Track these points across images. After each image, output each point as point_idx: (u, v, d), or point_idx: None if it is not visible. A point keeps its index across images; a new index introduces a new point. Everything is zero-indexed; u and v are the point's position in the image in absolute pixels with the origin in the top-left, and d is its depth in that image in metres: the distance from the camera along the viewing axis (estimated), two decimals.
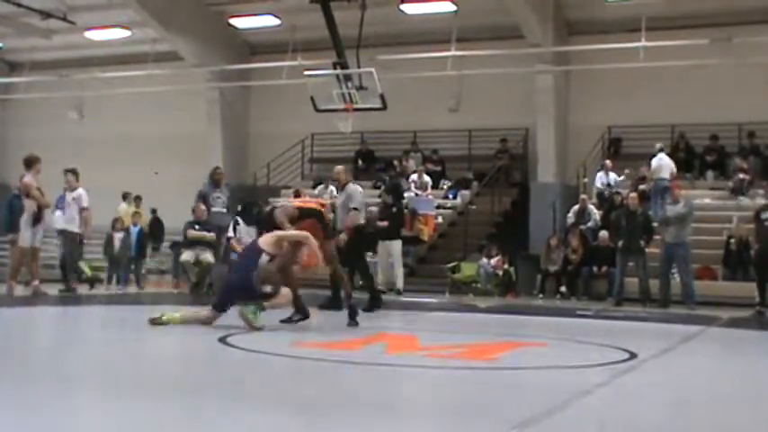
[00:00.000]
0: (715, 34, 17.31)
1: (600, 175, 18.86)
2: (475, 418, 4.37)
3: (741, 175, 18.14)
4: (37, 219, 12.77)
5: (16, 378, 5.21)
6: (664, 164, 17.91)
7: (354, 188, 11.42)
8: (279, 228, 8.53)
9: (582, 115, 20.50)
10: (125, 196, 18.48)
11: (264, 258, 8.21)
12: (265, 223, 8.88)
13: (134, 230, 16.78)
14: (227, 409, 4.36)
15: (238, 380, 5.56)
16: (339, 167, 11.76)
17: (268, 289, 8.24)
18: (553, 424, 4.23)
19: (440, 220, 19.52)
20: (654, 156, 18.10)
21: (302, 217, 8.74)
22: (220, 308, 8.25)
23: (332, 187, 20.14)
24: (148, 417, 4.21)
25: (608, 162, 19.00)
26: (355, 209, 11.06)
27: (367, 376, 5.84)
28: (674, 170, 17.90)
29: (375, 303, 11.12)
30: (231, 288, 8.37)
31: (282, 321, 8.61)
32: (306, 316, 8.70)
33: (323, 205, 9.70)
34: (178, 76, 22.22)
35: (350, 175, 12.09)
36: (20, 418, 3.97)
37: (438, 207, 19.87)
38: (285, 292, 8.23)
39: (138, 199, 18.42)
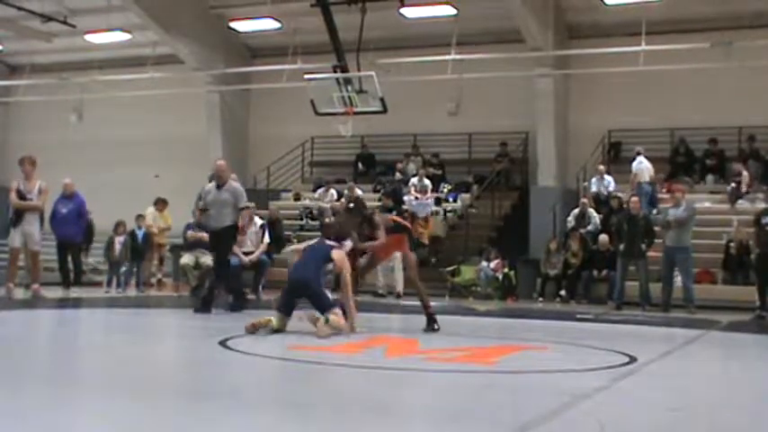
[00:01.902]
0: (715, 38, 17.31)
1: (594, 179, 18.85)
2: (474, 422, 4.37)
3: (738, 180, 18.12)
4: (15, 220, 12.77)
5: (14, 381, 5.20)
6: (644, 168, 17.99)
7: (239, 185, 11.48)
8: (373, 227, 8.86)
9: (582, 119, 20.49)
10: (157, 202, 18.34)
11: (330, 266, 8.41)
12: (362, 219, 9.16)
13: (140, 233, 16.76)
14: (226, 412, 4.36)
15: (238, 383, 5.56)
16: (222, 162, 11.38)
17: (333, 296, 8.39)
18: (553, 427, 4.23)
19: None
20: (633, 160, 18.21)
21: (395, 230, 9.15)
22: (287, 310, 8.14)
23: (333, 191, 20.17)
24: (148, 419, 4.21)
25: (601, 167, 18.97)
26: (247, 207, 11.46)
27: (366, 379, 5.84)
28: (653, 173, 17.99)
29: (241, 303, 11.31)
30: (299, 286, 8.22)
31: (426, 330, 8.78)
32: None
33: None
34: (178, 79, 22.24)
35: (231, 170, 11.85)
36: (19, 421, 3.97)
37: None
38: (347, 323, 8.21)
39: (163, 202, 18.31)
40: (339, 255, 8.45)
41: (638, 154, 18.25)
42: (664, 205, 16.10)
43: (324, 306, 8.10)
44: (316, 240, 9.02)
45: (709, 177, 19.24)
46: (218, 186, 11.10)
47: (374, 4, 17.57)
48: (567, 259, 16.69)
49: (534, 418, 4.34)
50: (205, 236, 14.19)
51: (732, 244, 15.85)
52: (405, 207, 17.96)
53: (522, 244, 19.10)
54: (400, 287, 15.49)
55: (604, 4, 19.03)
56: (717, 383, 6.32)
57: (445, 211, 19.75)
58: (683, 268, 14.06)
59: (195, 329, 9.29)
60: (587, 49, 19.48)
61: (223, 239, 11.15)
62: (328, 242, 8.73)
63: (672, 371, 6.88)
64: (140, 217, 17.09)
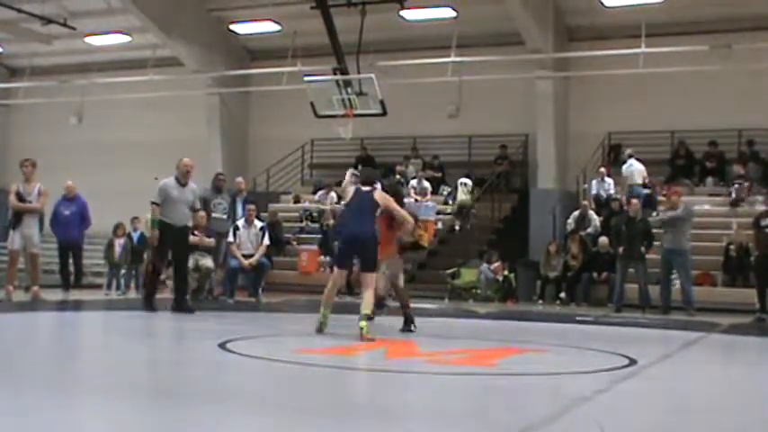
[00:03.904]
0: (715, 41, 17.32)
1: (594, 182, 18.86)
2: (474, 424, 4.37)
3: (741, 182, 18.11)
4: (15, 223, 12.77)
5: (14, 382, 5.20)
6: (635, 170, 18.01)
7: (195, 186, 11.45)
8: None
9: (582, 121, 20.50)
10: None
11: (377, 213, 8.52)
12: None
13: (135, 236, 16.77)
14: (227, 414, 4.36)
15: (238, 385, 5.56)
16: (189, 160, 11.26)
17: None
18: (553, 430, 4.23)
19: (440, 225, 19.50)
20: (624, 162, 18.21)
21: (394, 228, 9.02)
22: (346, 265, 8.45)
23: (333, 193, 20.15)
24: (147, 422, 4.21)
25: (602, 169, 19.01)
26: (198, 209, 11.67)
27: (366, 382, 5.84)
28: (645, 175, 18.01)
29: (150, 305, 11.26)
30: (356, 240, 8.39)
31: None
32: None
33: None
34: (178, 81, 22.22)
35: None
36: (19, 421, 3.97)
37: (438, 213, 19.87)
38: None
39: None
40: (380, 195, 8.59)
41: (630, 156, 18.31)
42: (662, 208, 16.10)
43: (372, 266, 8.30)
44: (353, 193, 8.73)
45: (709, 180, 19.24)
46: (183, 185, 11.16)
47: (374, 6, 17.60)
48: (566, 261, 16.70)
49: (534, 420, 4.34)
50: (206, 240, 14.23)
51: (732, 246, 15.84)
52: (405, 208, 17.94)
53: (521, 246, 19.11)
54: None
55: (604, 6, 19.04)
56: (717, 386, 6.32)
57: (474, 180, 19.94)
58: (682, 271, 14.05)
59: (195, 332, 9.29)
60: (587, 52, 19.50)
61: (184, 239, 11.37)
62: (365, 188, 8.67)
63: (672, 373, 6.88)
64: (135, 219, 17.10)
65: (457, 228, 19.32)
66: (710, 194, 18.83)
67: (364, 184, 8.78)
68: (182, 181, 11.17)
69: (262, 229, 14.60)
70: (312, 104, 17.60)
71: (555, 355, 7.76)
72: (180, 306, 11.20)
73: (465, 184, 19.65)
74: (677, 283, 14.27)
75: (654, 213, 16.80)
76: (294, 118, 20.64)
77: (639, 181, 17.97)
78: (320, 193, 20.67)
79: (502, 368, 6.63)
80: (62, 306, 12.83)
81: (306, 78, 17.85)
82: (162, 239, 11.11)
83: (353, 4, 17.46)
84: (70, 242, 14.72)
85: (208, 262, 14.21)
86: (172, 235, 11.01)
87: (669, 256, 14.07)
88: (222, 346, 7.13)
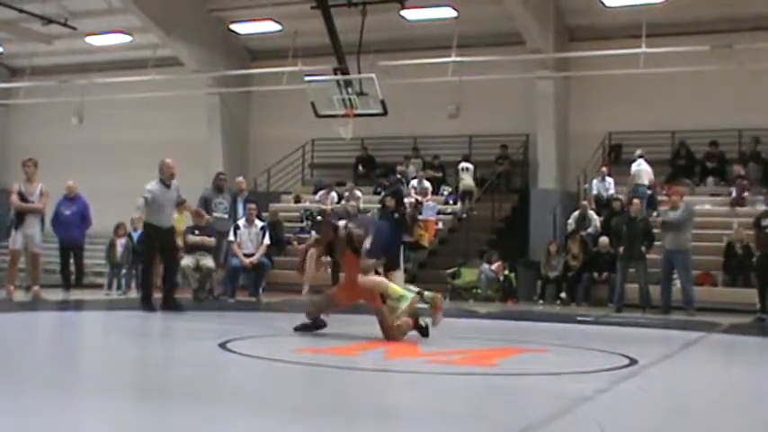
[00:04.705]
0: (715, 41, 17.33)
1: (595, 182, 18.86)
2: (474, 425, 4.36)
3: (742, 182, 18.11)
4: (17, 223, 12.78)
5: (15, 382, 5.20)
6: (642, 170, 18.01)
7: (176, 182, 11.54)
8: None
9: (582, 121, 20.50)
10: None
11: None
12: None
13: (135, 235, 16.76)
14: (227, 415, 4.36)
15: (238, 385, 5.56)
16: (172, 161, 11.35)
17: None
18: (552, 430, 4.23)
19: (440, 225, 19.50)
20: (633, 161, 18.22)
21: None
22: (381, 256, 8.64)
23: (333, 193, 20.16)
24: (147, 422, 4.21)
25: (603, 169, 19.02)
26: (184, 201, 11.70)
27: (366, 382, 5.84)
28: (652, 177, 18.01)
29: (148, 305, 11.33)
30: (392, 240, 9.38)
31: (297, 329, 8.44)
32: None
33: None
34: (179, 81, 22.23)
35: None
36: (19, 421, 3.97)
37: (438, 213, 19.88)
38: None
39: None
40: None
41: (640, 157, 18.29)
42: (663, 207, 16.11)
43: (397, 265, 9.24)
44: (375, 221, 9.48)
45: (710, 180, 19.25)
46: (167, 186, 11.31)
47: (374, 6, 17.60)
48: (567, 261, 16.70)
49: (534, 420, 4.34)
50: (207, 239, 14.24)
51: (738, 245, 15.80)
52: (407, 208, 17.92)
53: (522, 246, 19.12)
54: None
55: (604, 6, 19.04)
56: (717, 386, 6.31)
57: (476, 172, 20.55)
58: (682, 271, 14.06)
59: (195, 331, 9.29)
60: (587, 52, 19.51)
61: (171, 239, 11.53)
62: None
63: (672, 373, 6.88)
64: (139, 220, 17.09)
65: (464, 215, 19.57)
66: (711, 194, 18.84)
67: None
68: (166, 182, 11.34)
69: (262, 228, 14.62)
70: (312, 104, 17.60)
71: (555, 355, 7.75)
72: (168, 304, 11.26)
73: (466, 169, 19.73)
74: (677, 283, 14.28)
75: (654, 213, 16.81)
76: (294, 118, 20.65)
77: (646, 182, 17.97)
78: (321, 193, 20.66)
79: (502, 368, 6.63)
80: (63, 306, 12.85)
81: (306, 78, 17.85)
82: (151, 242, 11.35)
83: (354, 3, 17.47)
84: (71, 242, 14.75)
85: (209, 262, 14.22)
86: (160, 237, 11.23)
87: (671, 257, 14.07)
88: (222, 345, 7.13)
